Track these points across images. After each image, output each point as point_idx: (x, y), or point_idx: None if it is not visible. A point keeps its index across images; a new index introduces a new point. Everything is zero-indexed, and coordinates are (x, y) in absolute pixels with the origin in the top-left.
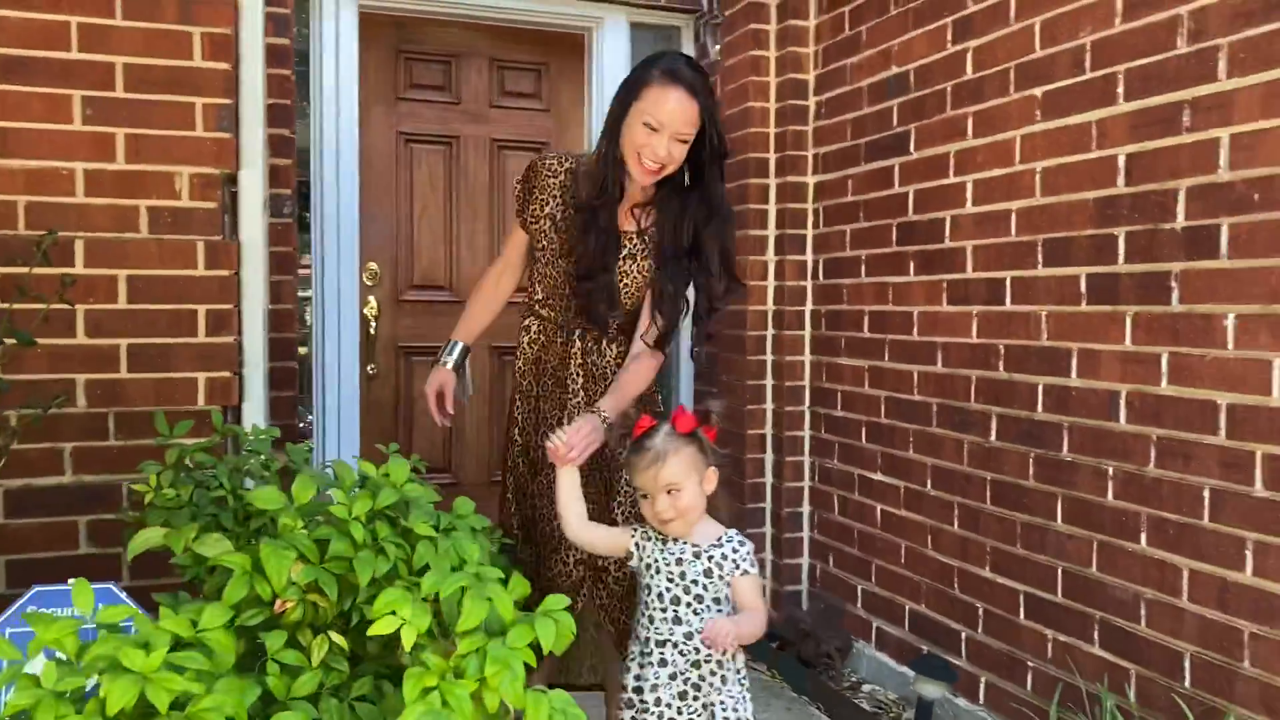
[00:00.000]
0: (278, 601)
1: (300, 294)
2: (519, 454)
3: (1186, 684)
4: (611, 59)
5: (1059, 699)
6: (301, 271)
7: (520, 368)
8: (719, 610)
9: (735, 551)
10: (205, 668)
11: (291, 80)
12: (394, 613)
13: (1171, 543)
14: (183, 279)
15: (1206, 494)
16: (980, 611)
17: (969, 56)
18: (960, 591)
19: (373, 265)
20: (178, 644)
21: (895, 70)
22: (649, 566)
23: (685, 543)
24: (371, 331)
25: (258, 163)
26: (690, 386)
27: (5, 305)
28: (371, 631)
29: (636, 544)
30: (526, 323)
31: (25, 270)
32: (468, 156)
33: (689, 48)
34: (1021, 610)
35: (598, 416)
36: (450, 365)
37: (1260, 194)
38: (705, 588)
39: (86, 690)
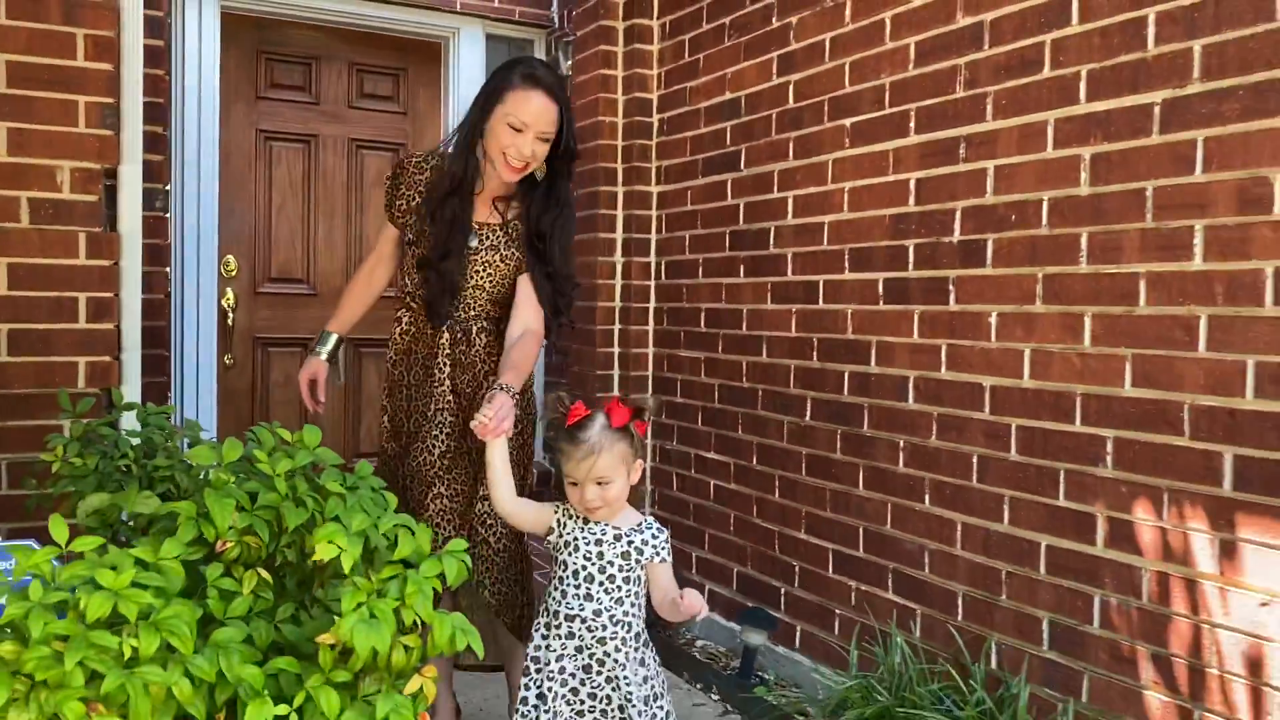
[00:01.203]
0: (219, 542)
1: None
2: (389, 439)
3: (959, 618)
4: (468, 66)
5: (857, 639)
6: None
7: (392, 357)
8: (633, 590)
9: (655, 539)
10: (163, 586)
11: (167, 80)
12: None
13: (948, 501)
14: (64, 268)
15: (975, 460)
16: (797, 569)
17: (791, 88)
18: (780, 553)
19: (231, 258)
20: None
21: (729, 95)
22: (568, 544)
23: (606, 525)
24: (229, 322)
25: (137, 158)
26: (542, 377)
27: None
28: (315, 558)
29: (558, 520)
30: (399, 314)
31: None
32: (326, 155)
33: (542, 58)
34: (830, 565)
35: (506, 392)
36: (324, 355)
37: (1016, 214)
38: (620, 569)
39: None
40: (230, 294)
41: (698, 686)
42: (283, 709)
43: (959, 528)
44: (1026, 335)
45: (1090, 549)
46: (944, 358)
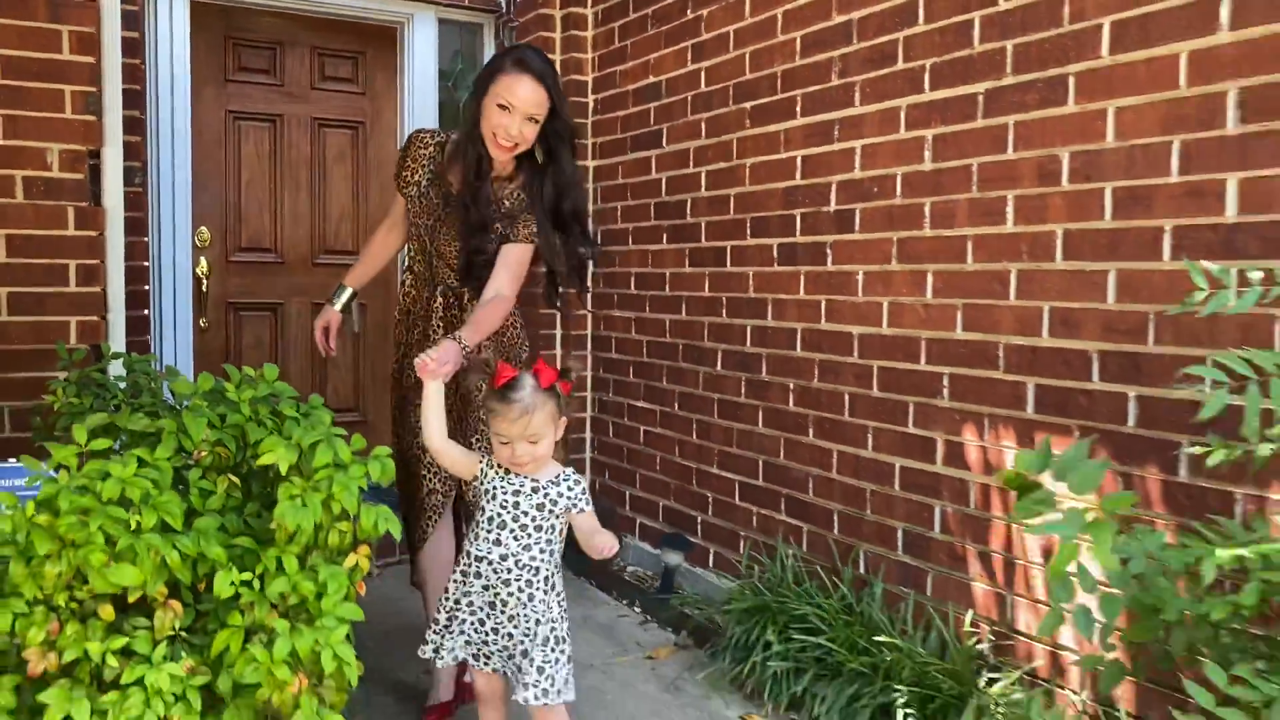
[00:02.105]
0: (196, 452)
1: None
2: (395, 389)
3: (836, 532)
4: (421, 49)
5: (748, 551)
6: None
7: (397, 317)
8: (544, 538)
9: (570, 490)
10: (158, 479)
11: (142, 68)
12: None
13: (827, 434)
14: (56, 238)
15: (846, 397)
16: (710, 499)
17: (702, 74)
18: (696, 486)
19: (204, 230)
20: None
21: (652, 80)
22: (487, 492)
23: (525, 477)
24: (203, 289)
25: (118, 140)
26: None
27: None
28: (259, 463)
29: (482, 470)
30: (403, 278)
31: None
32: (291, 133)
33: (490, 43)
34: (737, 495)
35: (457, 342)
36: (338, 306)
37: (877, 187)
38: (534, 519)
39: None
40: (204, 262)
41: (624, 603)
42: (247, 576)
43: (835, 455)
44: (885, 290)
45: (932, 467)
46: (823, 311)
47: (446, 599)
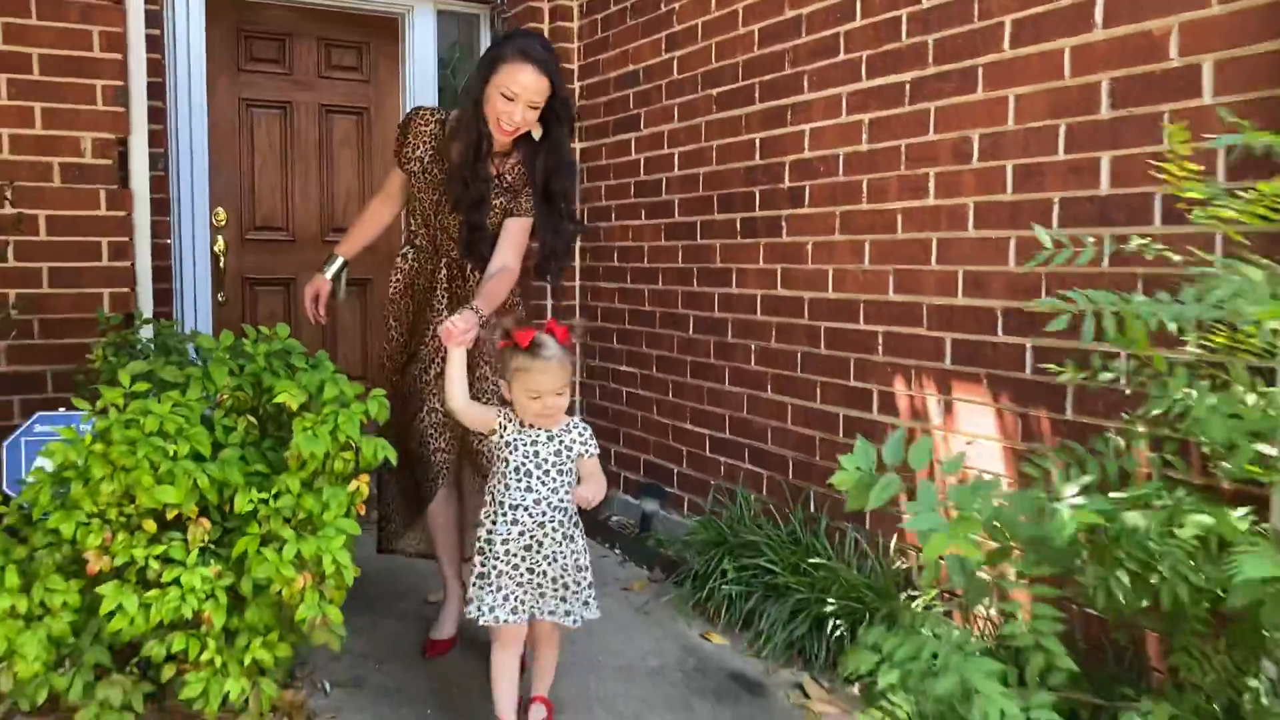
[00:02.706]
0: (219, 395)
1: None
2: (390, 359)
3: (790, 477)
4: (422, 39)
5: (713, 496)
6: None
7: (396, 288)
8: (566, 481)
9: (580, 437)
10: (189, 416)
11: (163, 62)
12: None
13: (783, 388)
14: (89, 218)
15: (799, 356)
16: (684, 452)
17: (675, 62)
18: (672, 441)
19: (220, 210)
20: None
21: (631, 68)
22: (508, 444)
23: (540, 429)
24: (221, 265)
25: (143, 129)
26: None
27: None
28: (273, 403)
29: (500, 424)
30: (404, 250)
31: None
32: (300, 119)
33: (486, 33)
34: (707, 447)
35: (476, 313)
36: (329, 274)
37: (824, 166)
38: (554, 464)
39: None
40: (221, 241)
41: (606, 546)
42: (263, 495)
43: (789, 408)
44: (829, 258)
45: (869, 415)
46: (779, 279)
47: (487, 553)
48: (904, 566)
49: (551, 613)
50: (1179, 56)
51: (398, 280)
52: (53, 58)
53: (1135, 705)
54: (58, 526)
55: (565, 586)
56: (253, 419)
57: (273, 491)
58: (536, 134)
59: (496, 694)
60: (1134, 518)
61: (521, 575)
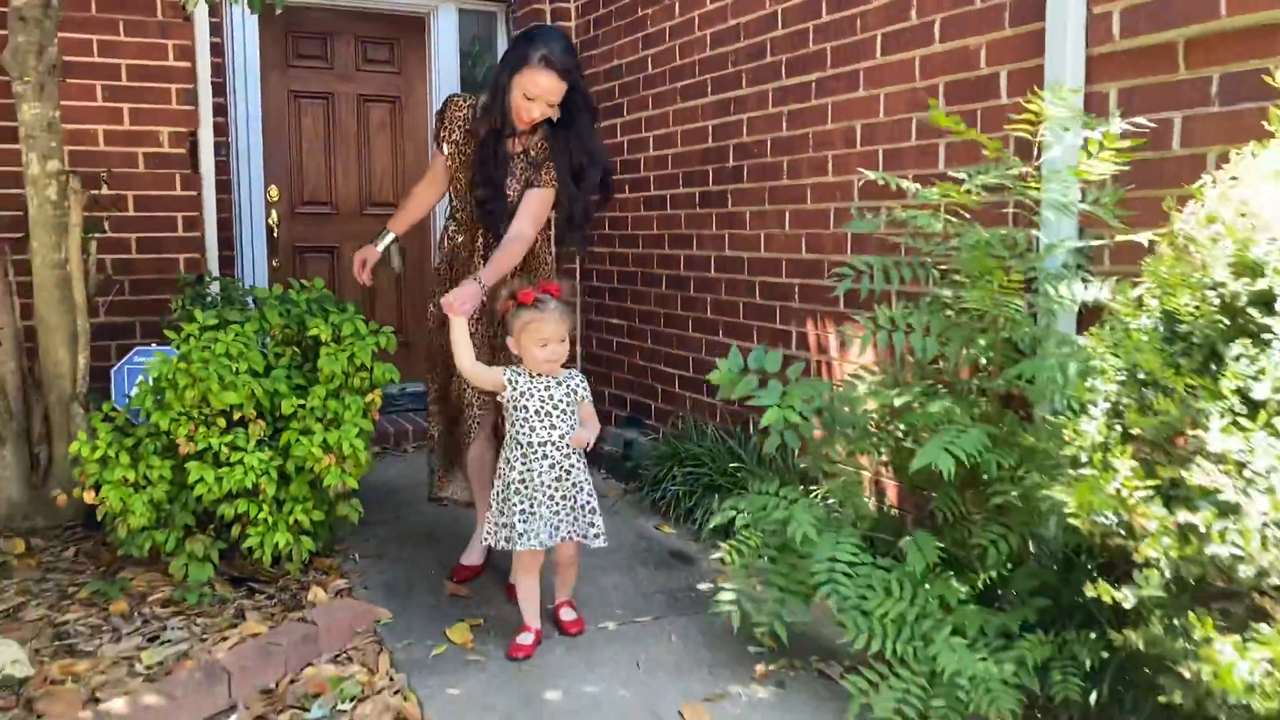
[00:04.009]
0: (271, 331)
1: None
2: (434, 319)
3: (736, 405)
4: (445, 35)
5: (674, 423)
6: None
7: (443, 260)
8: (574, 419)
9: (580, 384)
10: (249, 343)
11: (223, 64)
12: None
13: (730, 333)
14: (168, 197)
15: (741, 305)
16: (659, 390)
17: (650, 59)
18: (650, 381)
19: (273, 188)
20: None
21: (615, 62)
22: (523, 393)
23: (546, 376)
24: (274, 236)
25: (209, 123)
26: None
27: (101, 213)
28: (309, 335)
29: (509, 379)
30: (447, 223)
31: (102, 191)
32: (340, 108)
33: (502, 28)
34: (677, 385)
35: (478, 283)
36: (379, 247)
37: (756, 149)
38: (566, 404)
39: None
40: (274, 214)
41: (594, 469)
42: (302, 401)
43: (733, 349)
44: (761, 224)
45: (790, 350)
46: (727, 242)
47: (523, 491)
48: (804, 466)
49: (583, 535)
50: (986, 66)
51: (444, 250)
52: (136, 67)
53: (913, 538)
54: (157, 421)
55: (593, 510)
56: (296, 349)
57: (308, 399)
58: (554, 116)
59: (526, 608)
60: (888, 396)
61: (557, 503)
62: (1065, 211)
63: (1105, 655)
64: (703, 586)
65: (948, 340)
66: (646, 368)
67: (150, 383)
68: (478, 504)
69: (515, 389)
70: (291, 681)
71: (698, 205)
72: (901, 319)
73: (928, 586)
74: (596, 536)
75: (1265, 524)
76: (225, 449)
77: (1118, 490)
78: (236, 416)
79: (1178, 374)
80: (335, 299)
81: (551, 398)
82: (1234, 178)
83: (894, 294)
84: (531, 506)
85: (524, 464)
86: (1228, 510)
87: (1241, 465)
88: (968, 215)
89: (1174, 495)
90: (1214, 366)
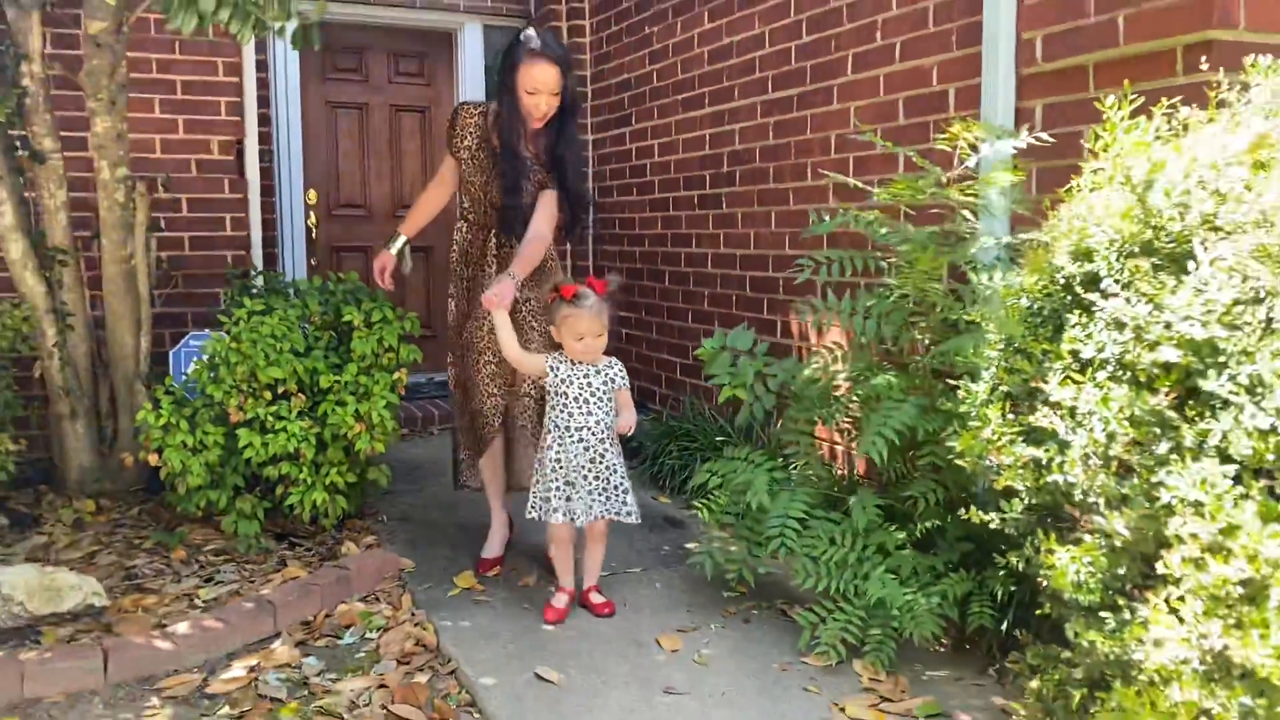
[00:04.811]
0: (310, 316)
1: None
2: (454, 319)
3: None
4: (471, 49)
5: (670, 404)
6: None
7: (454, 258)
8: (611, 407)
9: (619, 373)
10: (292, 325)
11: (267, 77)
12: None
13: (724, 322)
14: (217, 199)
15: (734, 297)
16: (663, 377)
17: (655, 73)
18: (655, 369)
19: (312, 192)
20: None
21: (625, 76)
22: (564, 380)
23: (589, 365)
24: (313, 236)
25: (254, 133)
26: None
27: (157, 215)
28: (343, 321)
29: (552, 366)
30: (458, 225)
31: (161, 193)
32: (374, 117)
33: None
34: (679, 372)
35: (511, 278)
36: (393, 250)
37: (747, 156)
38: (604, 392)
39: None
40: (313, 216)
41: None
42: (337, 378)
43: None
44: (750, 225)
45: (775, 338)
46: (722, 240)
47: (560, 469)
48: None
49: (615, 513)
50: (938, 83)
51: (455, 250)
52: (190, 82)
53: (859, 496)
54: (211, 392)
55: (626, 490)
56: (332, 332)
57: (343, 375)
58: (559, 105)
59: (562, 571)
60: (834, 372)
61: (591, 484)
62: (986, 211)
63: (1014, 588)
64: (690, 546)
65: (891, 322)
66: (652, 357)
67: (206, 360)
68: (491, 502)
69: (556, 375)
70: (327, 616)
71: (696, 207)
72: (848, 306)
73: (870, 535)
74: (629, 514)
75: (1086, 454)
76: (270, 418)
77: (989, 436)
78: (280, 390)
79: (1036, 341)
80: (367, 289)
81: (590, 384)
82: (1081, 184)
83: (860, 284)
84: (567, 486)
85: (560, 446)
86: (1064, 446)
87: (1073, 410)
88: (912, 213)
89: (1031, 438)
90: (1059, 334)
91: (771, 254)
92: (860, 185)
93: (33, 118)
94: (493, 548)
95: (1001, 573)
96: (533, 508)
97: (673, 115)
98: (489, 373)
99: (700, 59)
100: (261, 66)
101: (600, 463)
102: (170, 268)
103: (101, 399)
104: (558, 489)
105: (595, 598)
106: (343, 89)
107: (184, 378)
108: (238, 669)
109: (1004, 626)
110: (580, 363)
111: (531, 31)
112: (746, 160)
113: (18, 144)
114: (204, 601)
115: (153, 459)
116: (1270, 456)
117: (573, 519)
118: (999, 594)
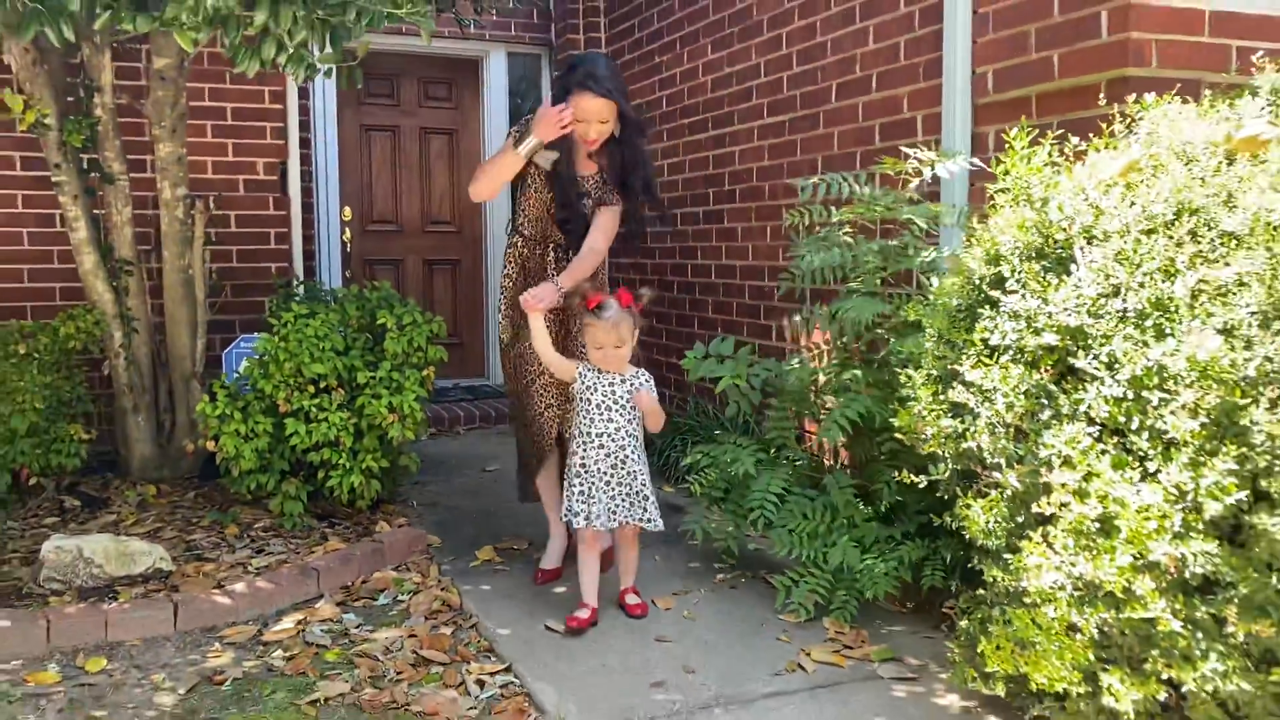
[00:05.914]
0: (349, 320)
1: None
2: (507, 332)
3: None
4: (496, 75)
5: (678, 404)
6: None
7: (508, 271)
8: (635, 415)
9: (645, 383)
10: (332, 329)
11: (308, 104)
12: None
13: (726, 328)
14: (262, 215)
15: (735, 304)
16: (673, 379)
17: (664, 99)
18: (665, 373)
19: (347, 209)
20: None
21: (637, 101)
22: (590, 387)
23: (615, 375)
24: (348, 250)
25: (296, 154)
26: None
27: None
28: (377, 324)
29: (581, 373)
30: (513, 239)
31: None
32: (405, 139)
33: (546, 68)
34: (685, 375)
35: (554, 284)
36: (522, 151)
37: (745, 175)
38: (628, 401)
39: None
40: (347, 231)
41: None
42: (372, 374)
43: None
44: (749, 238)
45: (770, 342)
46: (724, 252)
47: (583, 474)
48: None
49: (638, 519)
50: (908, 110)
51: (510, 265)
52: (239, 109)
53: (834, 476)
54: (262, 386)
55: (646, 497)
56: (368, 334)
57: (378, 372)
58: (615, 132)
59: (584, 582)
60: (811, 369)
61: (613, 489)
62: (934, 225)
63: (963, 554)
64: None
65: (856, 324)
66: (662, 361)
67: (258, 357)
68: (549, 514)
69: (584, 382)
70: (363, 581)
71: (701, 222)
72: (829, 311)
73: (841, 511)
74: (649, 522)
75: (991, 424)
76: (314, 409)
77: (920, 412)
78: (322, 385)
79: (957, 332)
80: (399, 296)
81: (613, 393)
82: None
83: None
84: (590, 491)
85: (583, 452)
86: (975, 417)
87: (982, 388)
88: (873, 228)
89: (953, 413)
90: (974, 326)
91: (767, 265)
92: (819, 209)
93: (104, 143)
94: (551, 559)
95: (952, 539)
96: (566, 512)
97: (680, 137)
98: (542, 385)
99: (704, 86)
100: (303, 94)
101: (622, 468)
102: (219, 278)
103: (161, 395)
104: (580, 495)
105: (630, 599)
106: (376, 113)
107: (235, 375)
108: (287, 622)
109: (953, 587)
110: (606, 371)
111: (586, 60)
112: (745, 179)
113: (88, 167)
114: (256, 568)
115: (210, 445)
116: (1122, 418)
117: (596, 523)
118: (948, 558)
